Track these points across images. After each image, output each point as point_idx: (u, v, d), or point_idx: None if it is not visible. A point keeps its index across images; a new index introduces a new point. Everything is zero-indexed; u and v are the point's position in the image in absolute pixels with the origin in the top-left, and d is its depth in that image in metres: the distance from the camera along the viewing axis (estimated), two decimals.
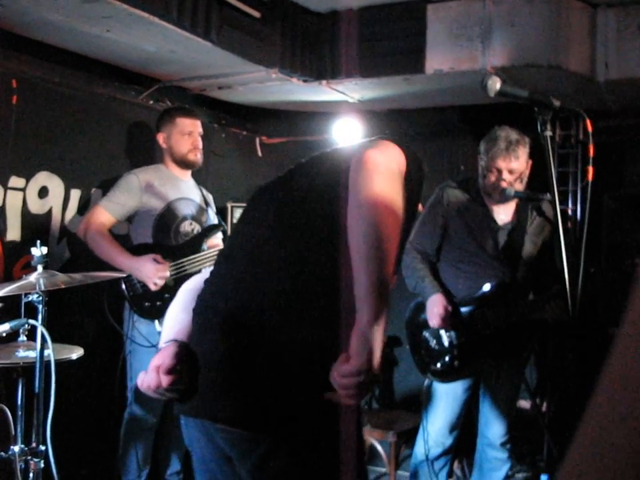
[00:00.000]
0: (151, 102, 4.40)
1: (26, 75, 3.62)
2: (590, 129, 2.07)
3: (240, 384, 1.63)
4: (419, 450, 3.63)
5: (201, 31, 3.50)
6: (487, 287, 3.38)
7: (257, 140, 5.39)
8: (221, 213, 4.25)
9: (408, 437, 4.12)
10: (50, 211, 3.83)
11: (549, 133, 2.04)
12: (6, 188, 3.57)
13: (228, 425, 1.64)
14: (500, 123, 3.46)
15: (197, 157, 3.84)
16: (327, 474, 1.65)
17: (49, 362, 2.41)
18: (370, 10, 4.10)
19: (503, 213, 3.48)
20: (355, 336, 1.48)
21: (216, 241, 3.97)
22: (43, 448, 2.49)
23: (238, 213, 4.72)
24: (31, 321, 2.35)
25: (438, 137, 4.92)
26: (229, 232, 4.31)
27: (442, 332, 3.42)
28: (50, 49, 3.68)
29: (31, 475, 2.48)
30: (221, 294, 1.74)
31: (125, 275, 3.41)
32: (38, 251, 2.53)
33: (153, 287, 3.51)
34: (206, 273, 1.91)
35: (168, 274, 3.51)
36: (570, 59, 3.72)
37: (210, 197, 4.05)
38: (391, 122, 5.00)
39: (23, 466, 2.49)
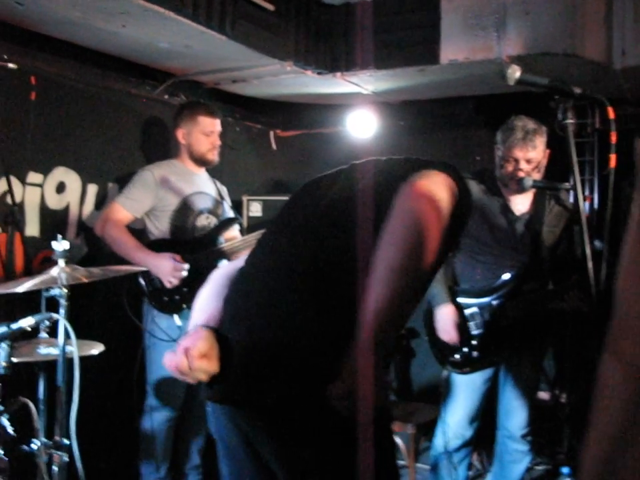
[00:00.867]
0: (166, 96, 4.41)
1: (44, 71, 3.64)
2: (612, 115, 2.05)
3: (270, 372, 1.64)
4: (439, 442, 3.62)
5: (216, 25, 3.50)
6: (505, 277, 3.36)
7: (272, 133, 5.40)
8: (237, 206, 4.26)
9: (427, 429, 4.11)
10: (67, 206, 3.85)
11: (570, 121, 2.03)
12: (24, 184, 3.59)
13: (258, 412, 1.64)
14: (515, 113, 3.44)
15: (215, 156, 3.86)
16: (354, 461, 1.65)
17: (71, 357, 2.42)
18: (383, 1, 4.08)
19: (520, 203, 3.46)
20: (349, 357, 1.53)
21: (232, 233, 3.98)
22: (66, 442, 2.50)
23: (253, 207, 4.73)
24: (55, 315, 2.36)
25: (453, 128, 4.90)
26: (244, 225, 4.33)
27: (460, 323, 3.41)
28: (67, 45, 3.70)
29: (55, 468, 2.50)
30: (255, 284, 1.76)
31: (144, 269, 3.42)
32: (59, 245, 2.54)
33: (168, 285, 3.52)
34: (238, 261, 1.92)
35: (185, 274, 3.51)
36: (586, 47, 3.69)
37: (224, 190, 4.06)
38: (405, 113, 4.98)
39: (46, 459, 2.51)
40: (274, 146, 5.41)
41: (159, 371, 3.59)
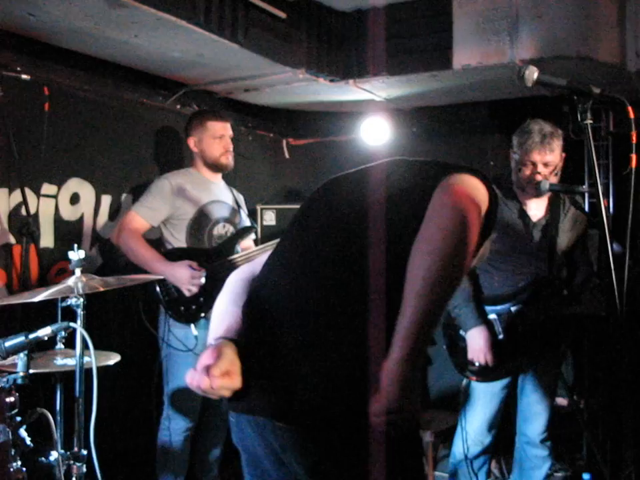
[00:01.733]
0: (178, 106, 4.42)
1: (57, 82, 3.66)
2: (631, 115, 2.02)
3: (301, 382, 1.60)
4: (458, 449, 3.58)
5: (228, 33, 3.51)
6: (522, 284, 3.33)
7: (284, 142, 5.40)
8: (250, 215, 4.25)
9: (445, 437, 4.08)
10: (82, 217, 3.86)
11: (589, 121, 2.00)
12: (39, 195, 3.60)
13: (287, 423, 1.61)
14: (529, 118, 3.42)
15: (229, 159, 3.84)
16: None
17: (88, 367, 2.42)
18: (395, 7, 4.08)
19: (536, 208, 3.44)
20: (385, 372, 1.47)
21: (249, 242, 3.97)
22: (84, 452, 2.49)
23: (267, 215, 4.72)
24: (72, 324, 2.35)
25: (466, 133, 4.88)
26: (258, 234, 4.32)
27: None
28: (79, 56, 3.72)
29: (74, 479, 2.49)
30: (279, 291, 1.72)
31: (161, 278, 3.41)
32: (75, 254, 2.54)
33: (187, 293, 3.51)
34: (254, 264, 1.89)
35: (203, 280, 3.50)
36: (599, 49, 3.67)
37: (241, 198, 4.05)
38: (418, 120, 4.97)
39: (65, 471, 2.50)
40: (287, 154, 5.41)
41: (176, 381, 3.57)
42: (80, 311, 2.48)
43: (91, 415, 2.32)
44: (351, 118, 5.01)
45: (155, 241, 3.76)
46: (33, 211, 3.51)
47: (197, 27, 3.33)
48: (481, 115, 4.81)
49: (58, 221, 3.72)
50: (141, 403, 3.71)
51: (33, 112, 3.53)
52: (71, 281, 2.53)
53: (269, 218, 4.72)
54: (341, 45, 4.23)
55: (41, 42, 3.52)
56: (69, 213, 3.78)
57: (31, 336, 2.29)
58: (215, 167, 3.83)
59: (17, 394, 2.35)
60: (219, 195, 3.85)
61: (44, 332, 2.28)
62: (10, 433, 2.28)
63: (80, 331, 2.38)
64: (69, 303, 2.50)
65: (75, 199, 3.81)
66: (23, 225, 3.43)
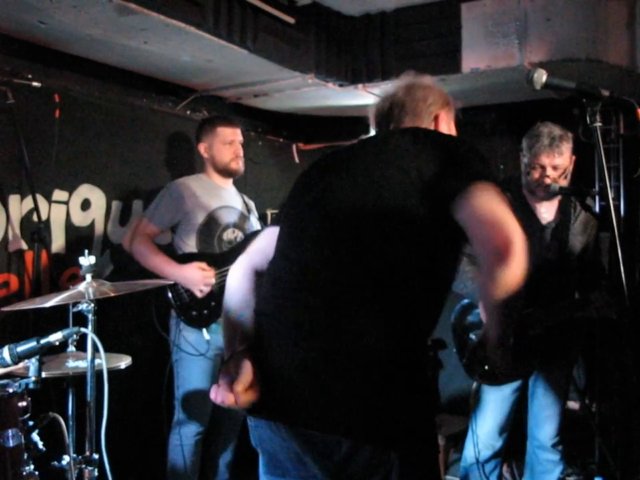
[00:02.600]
0: (188, 112, 4.44)
1: (67, 89, 3.69)
2: None
3: (320, 388, 1.61)
4: (469, 453, 3.57)
5: (237, 39, 3.53)
6: (532, 287, 3.32)
7: (294, 147, 5.41)
8: (260, 219, 4.26)
9: (456, 441, 4.07)
10: (93, 223, 3.88)
11: (598, 124, 2.00)
12: (50, 201, 3.62)
13: (308, 428, 1.62)
14: (539, 120, 3.41)
15: (239, 165, 3.85)
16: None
17: (99, 371, 2.43)
18: (403, 11, 4.09)
19: (546, 212, 3.42)
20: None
21: None
22: (96, 456, 2.50)
23: None
24: (83, 329, 2.36)
25: (475, 137, 4.86)
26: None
27: None
28: (90, 63, 3.75)
29: None
30: (300, 295, 1.71)
31: (172, 282, 3.43)
32: (86, 260, 2.56)
33: (199, 294, 3.53)
34: (255, 251, 1.90)
35: (214, 280, 3.54)
36: (609, 52, 3.67)
37: (252, 204, 4.06)
38: None
39: (77, 475, 2.51)
40: (296, 159, 5.42)
41: (187, 385, 3.59)
42: (91, 316, 2.49)
43: (102, 419, 2.33)
44: (360, 122, 5.00)
45: (166, 246, 3.78)
46: (44, 217, 3.54)
47: (206, 33, 3.35)
48: (490, 118, 4.80)
49: (69, 226, 3.75)
50: (152, 407, 3.72)
51: (43, 119, 3.56)
52: (81, 287, 2.54)
53: None
54: (350, 50, 4.24)
55: (52, 49, 3.55)
56: (80, 219, 3.81)
57: (43, 341, 2.30)
58: (225, 172, 3.84)
59: (29, 398, 2.37)
60: (229, 200, 3.86)
61: (55, 337, 2.30)
62: (22, 437, 2.29)
63: (91, 336, 2.39)
64: (80, 308, 2.51)
65: (85, 204, 3.83)
66: (35, 230, 3.46)
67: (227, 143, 3.80)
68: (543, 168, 3.26)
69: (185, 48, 3.53)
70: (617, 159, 4.39)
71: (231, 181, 3.93)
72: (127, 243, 3.67)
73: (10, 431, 2.24)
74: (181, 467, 3.65)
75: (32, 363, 2.30)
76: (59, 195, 3.68)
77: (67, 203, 3.73)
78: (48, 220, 3.61)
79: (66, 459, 2.52)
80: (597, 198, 3.95)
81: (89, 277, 2.56)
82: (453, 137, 1.94)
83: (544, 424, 3.51)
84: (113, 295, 2.52)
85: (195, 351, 3.55)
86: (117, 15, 3.04)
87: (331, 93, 4.38)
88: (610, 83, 3.90)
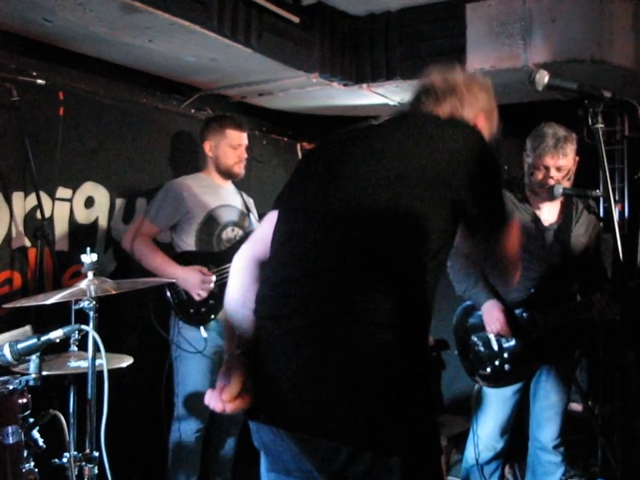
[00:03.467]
0: (193, 111, 4.45)
1: (72, 87, 3.70)
2: None
3: (319, 394, 1.60)
4: (470, 454, 3.57)
5: (242, 38, 3.53)
6: (534, 289, 3.31)
7: (298, 146, 5.41)
8: (260, 219, 4.26)
9: (458, 442, 4.06)
10: (96, 221, 3.89)
11: (600, 125, 1.99)
12: (54, 199, 3.63)
13: (308, 435, 1.62)
14: (544, 121, 3.40)
15: (241, 169, 3.86)
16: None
17: (100, 369, 2.43)
18: (408, 11, 4.08)
19: (549, 212, 3.42)
20: None
21: None
22: (96, 454, 2.50)
23: None
24: (83, 326, 2.36)
25: None
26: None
27: (491, 336, 3.36)
28: (94, 61, 3.76)
29: None
30: (304, 299, 1.69)
31: (171, 281, 3.44)
32: (88, 257, 2.56)
33: (196, 298, 3.54)
34: (256, 243, 1.90)
35: (212, 286, 3.54)
36: (614, 53, 3.65)
37: (251, 202, 4.06)
38: None
39: (77, 472, 2.51)
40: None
41: (187, 382, 3.60)
42: (92, 314, 2.49)
43: (102, 416, 2.33)
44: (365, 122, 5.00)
45: (166, 244, 3.78)
46: (48, 214, 3.55)
47: (211, 32, 3.36)
48: None
49: (72, 224, 3.76)
50: (151, 405, 3.73)
51: (48, 116, 3.57)
52: (83, 284, 2.54)
53: None
54: (355, 49, 4.23)
55: (56, 47, 3.56)
56: (83, 217, 3.82)
57: (43, 338, 2.30)
58: (226, 174, 3.85)
59: (30, 395, 2.37)
60: (228, 199, 3.86)
61: (56, 334, 2.30)
62: (22, 434, 2.30)
63: (92, 334, 2.40)
64: (81, 305, 2.51)
65: (89, 202, 3.84)
66: (38, 228, 3.47)
67: (234, 147, 3.80)
68: (547, 169, 3.25)
69: (190, 46, 3.53)
70: (621, 160, 4.38)
71: (230, 180, 3.93)
72: (126, 243, 3.68)
73: (10, 428, 2.25)
74: (182, 464, 3.65)
75: (32, 360, 2.31)
76: (62, 192, 3.69)
77: (70, 200, 3.74)
78: (51, 217, 3.62)
79: (66, 457, 2.52)
80: (600, 200, 3.95)
81: (90, 274, 2.56)
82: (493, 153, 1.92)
83: (545, 425, 3.50)
84: (114, 292, 2.52)
85: (193, 349, 3.55)
86: (122, 13, 3.05)
87: (336, 92, 4.37)
88: (615, 84, 3.89)
